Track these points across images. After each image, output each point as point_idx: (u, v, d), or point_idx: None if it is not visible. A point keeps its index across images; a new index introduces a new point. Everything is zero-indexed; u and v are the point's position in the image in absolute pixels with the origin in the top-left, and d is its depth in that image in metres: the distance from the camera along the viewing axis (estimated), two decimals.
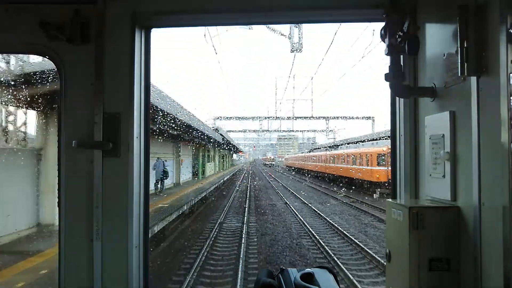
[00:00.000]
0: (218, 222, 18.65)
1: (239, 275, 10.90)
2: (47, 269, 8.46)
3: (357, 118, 59.89)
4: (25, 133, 11.89)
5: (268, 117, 65.04)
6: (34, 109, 11.93)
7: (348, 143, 45.27)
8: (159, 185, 22.43)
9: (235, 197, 30.16)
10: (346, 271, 10.94)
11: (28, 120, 11.91)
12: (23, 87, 10.42)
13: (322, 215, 20.64)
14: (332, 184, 39.06)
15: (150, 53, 2.18)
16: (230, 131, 64.23)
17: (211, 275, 11.29)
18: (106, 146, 2.00)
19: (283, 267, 1.53)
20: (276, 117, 63.54)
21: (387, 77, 1.84)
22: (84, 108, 2.02)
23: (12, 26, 2.05)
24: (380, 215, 19.69)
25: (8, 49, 2.38)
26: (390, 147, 2.39)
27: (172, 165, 27.64)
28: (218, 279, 11.03)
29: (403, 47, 1.77)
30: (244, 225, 17.87)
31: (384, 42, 1.82)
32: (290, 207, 23.77)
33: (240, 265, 11.75)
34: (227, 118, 62.88)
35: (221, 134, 38.08)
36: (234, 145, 64.84)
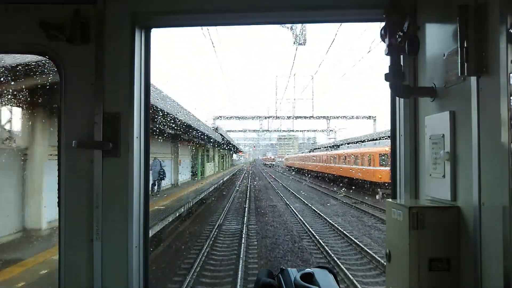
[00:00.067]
0: (217, 224, 18.22)
1: (238, 283, 10.66)
2: (23, 281, 7.72)
3: (359, 117, 59.02)
4: (9, 131, 11.00)
5: (268, 117, 64.43)
6: (19, 106, 11.11)
7: (349, 143, 45.06)
8: (155, 186, 21.78)
9: (235, 197, 29.89)
10: (351, 277, 10.60)
11: (12, 118, 11.07)
12: (5, 81, 9.56)
13: (324, 216, 20.22)
14: (333, 184, 38.73)
15: (150, 53, 2.18)
16: (230, 131, 63.97)
17: (209, 282, 11.00)
18: (106, 146, 2.00)
19: (283, 267, 1.53)
20: (277, 117, 62.96)
21: (387, 77, 1.84)
22: (84, 108, 2.02)
23: (12, 26, 2.05)
24: (384, 217, 19.31)
25: (8, 49, 2.38)
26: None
27: (170, 165, 27.26)
28: (217, 279, 10.90)
29: (403, 47, 1.77)
30: (244, 227, 17.45)
31: (384, 42, 1.82)
32: (291, 208, 23.39)
33: (240, 270, 11.37)
34: (227, 117, 62.08)
35: (220, 134, 37.60)
36: (234, 145, 64.60)
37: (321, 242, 14.63)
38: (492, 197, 1.40)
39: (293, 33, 29.35)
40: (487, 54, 1.42)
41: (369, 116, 58.25)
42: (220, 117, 60.86)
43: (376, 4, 1.97)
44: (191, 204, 19.84)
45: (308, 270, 1.45)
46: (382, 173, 26.71)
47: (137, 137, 2.08)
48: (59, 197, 2.05)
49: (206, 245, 14.25)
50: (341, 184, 36.13)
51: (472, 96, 1.49)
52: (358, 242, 14.36)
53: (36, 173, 11.23)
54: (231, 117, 61.93)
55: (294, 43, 30.24)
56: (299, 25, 29.23)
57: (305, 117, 61.31)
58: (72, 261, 2.03)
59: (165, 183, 24.82)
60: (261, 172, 74.12)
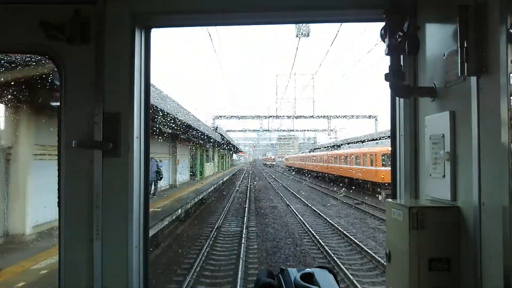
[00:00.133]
0: (216, 227, 17.59)
1: (238, 283, 10.42)
2: None
3: (360, 117, 58.36)
4: None
5: (269, 116, 63.79)
6: (1, 102, 10.49)
7: (349, 143, 44.88)
8: (152, 187, 20.63)
9: (235, 197, 29.53)
10: (356, 283, 10.20)
11: None
12: None
13: (326, 218, 19.63)
14: (334, 185, 38.33)
15: (150, 53, 2.18)
16: (230, 130, 63.63)
17: (209, 282, 10.69)
18: (106, 146, 2.00)
19: (283, 267, 1.53)
20: (277, 116, 62.47)
21: (387, 77, 1.84)
22: (84, 108, 2.02)
23: (12, 26, 2.05)
24: None
25: (8, 49, 2.38)
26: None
27: (168, 166, 26.78)
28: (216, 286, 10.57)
29: (403, 47, 1.77)
30: (244, 230, 16.81)
31: (384, 42, 1.82)
32: (292, 209, 22.88)
33: (239, 278, 10.84)
34: (227, 117, 61.15)
35: (220, 134, 37.09)
36: (234, 145, 64.34)
37: (324, 246, 14.04)
38: (492, 197, 1.40)
39: (296, 25, 29.06)
40: (487, 54, 1.42)
41: (371, 116, 57.66)
42: (220, 116, 59.99)
43: (376, 4, 1.97)
44: (189, 206, 19.18)
45: (308, 270, 1.45)
46: (384, 173, 26.43)
47: (137, 137, 2.08)
48: (59, 197, 2.05)
49: (204, 249, 13.54)
50: (342, 185, 35.77)
51: (472, 96, 1.49)
52: (362, 246, 13.75)
53: (20, 174, 10.58)
54: (231, 117, 61.31)
55: (297, 35, 30.02)
56: None
57: (306, 117, 60.45)
58: (72, 261, 2.03)
59: (163, 183, 24.34)
60: (261, 172, 73.92)
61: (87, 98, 2.02)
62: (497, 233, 1.36)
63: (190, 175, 35.09)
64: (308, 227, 17.52)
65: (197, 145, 35.31)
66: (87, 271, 1.99)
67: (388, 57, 1.85)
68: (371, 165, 29.33)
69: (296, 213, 21.52)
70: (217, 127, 37.03)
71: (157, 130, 19.70)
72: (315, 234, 15.92)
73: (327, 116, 60.38)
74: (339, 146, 48.68)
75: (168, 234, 15.79)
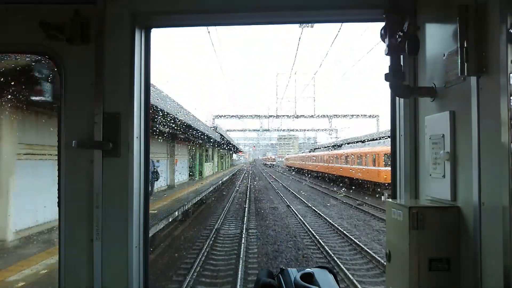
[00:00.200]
0: (214, 229, 16.94)
1: (238, 283, 10.27)
2: None
3: (361, 116, 57.75)
4: None
5: (269, 116, 63.25)
6: None
7: (349, 143, 44.63)
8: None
9: (234, 198, 29.05)
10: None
11: None
12: None
13: (328, 219, 19.05)
14: (335, 185, 37.82)
15: (150, 53, 2.18)
16: (229, 130, 63.24)
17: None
18: (106, 146, 2.00)
19: (283, 267, 1.53)
20: (277, 116, 61.96)
21: (387, 77, 1.84)
22: (84, 108, 2.03)
23: (12, 26, 2.05)
24: None
25: (8, 49, 2.38)
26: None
27: (166, 166, 26.31)
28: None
29: (403, 47, 1.77)
30: (244, 233, 16.22)
31: (384, 42, 1.82)
32: (293, 211, 22.32)
33: (238, 283, 10.48)
34: (226, 116, 60.45)
35: (219, 133, 36.54)
36: (233, 145, 64.07)
37: (328, 250, 13.44)
38: (492, 197, 1.40)
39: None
40: (487, 54, 1.42)
41: (372, 115, 57.15)
42: (220, 116, 59.33)
43: (376, 4, 1.97)
44: (186, 207, 18.52)
45: (308, 270, 1.45)
46: (386, 173, 25.86)
47: (137, 137, 2.08)
48: (59, 197, 2.05)
49: (201, 254, 12.90)
50: (343, 185, 35.33)
51: (472, 96, 1.49)
52: (367, 250, 13.23)
53: (2, 175, 10.00)
54: (231, 116, 60.91)
55: (300, 25, 29.74)
56: None
57: (307, 116, 59.79)
58: (72, 261, 2.03)
59: (160, 184, 23.98)
60: (261, 172, 73.70)
61: (87, 98, 2.02)
62: (497, 233, 1.36)
63: (189, 175, 34.71)
64: (310, 229, 17.00)
65: (196, 145, 34.93)
66: (87, 271, 1.99)
67: (388, 57, 1.85)
68: (373, 165, 28.96)
69: (297, 214, 21.05)
70: (216, 127, 36.57)
71: (155, 130, 19.41)
72: (317, 237, 15.38)
73: (328, 115, 59.82)
74: (339, 146, 48.39)
75: (164, 238, 15.17)
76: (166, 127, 20.25)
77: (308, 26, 29.69)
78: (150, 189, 21.01)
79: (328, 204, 25.47)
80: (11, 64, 8.45)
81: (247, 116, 62.72)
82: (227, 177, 45.69)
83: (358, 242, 14.25)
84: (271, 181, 47.52)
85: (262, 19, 2.28)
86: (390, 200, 1.91)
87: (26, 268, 8.28)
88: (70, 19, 2.00)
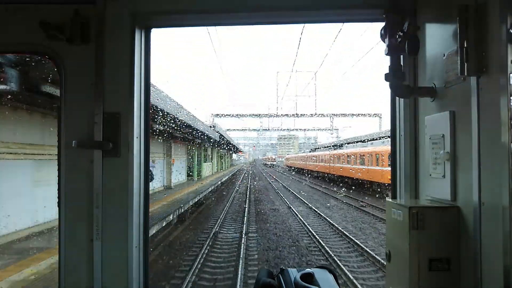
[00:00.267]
0: (212, 233, 16.26)
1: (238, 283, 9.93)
2: None
3: (363, 115, 56.94)
4: None
5: (269, 115, 62.31)
6: None
7: (349, 143, 44.29)
8: None
9: (234, 199, 28.58)
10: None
11: None
12: None
13: (332, 222, 18.37)
14: (337, 185, 37.12)
15: (150, 53, 2.19)
16: (229, 130, 62.61)
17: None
18: (106, 146, 2.00)
19: (283, 267, 1.53)
20: (277, 115, 61.19)
21: (387, 77, 1.84)
22: (84, 108, 2.03)
23: (12, 26, 2.05)
24: None
25: (8, 49, 2.38)
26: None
27: (163, 166, 25.59)
28: None
29: (403, 47, 1.77)
30: (243, 237, 15.53)
31: (384, 42, 1.82)
32: (295, 212, 21.66)
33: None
34: (226, 115, 59.08)
35: (218, 132, 35.56)
36: (233, 145, 63.72)
37: (333, 256, 12.73)
38: (492, 197, 1.40)
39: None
40: (487, 54, 1.42)
41: (375, 114, 56.41)
42: (219, 115, 57.97)
43: (376, 4, 1.97)
44: (183, 210, 17.67)
45: (308, 270, 1.45)
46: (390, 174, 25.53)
47: (137, 137, 2.08)
48: (59, 197, 2.05)
49: (197, 261, 12.21)
50: (345, 186, 34.74)
51: (472, 96, 1.49)
52: (374, 255, 12.53)
53: None
54: (231, 115, 60.09)
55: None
56: None
57: (308, 115, 58.59)
58: (72, 261, 2.03)
59: (157, 185, 23.55)
60: (261, 173, 73.45)
61: (87, 98, 2.02)
62: (497, 233, 1.36)
63: (187, 176, 34.03)
64: (313, 232, 16.31)
65: (195, 145, 34.37)
66: (87, 271, 2.00)
67: (388, 57, 1.85)
68: (377, 165, 28.44)
69: (299, 216, 20.44)
70: (214, 125, 35.46)
71: (151, 129, 18.76)
72: (321, 242, 14.65)
73: (329, 114, 58.97)
74: (341, 145, 48.07)
75: (158, 243, 14.47)
76: (162, 126, 19.88)
77: (309, 25, 29.48)
78: None
79: (331, 205, 24.90)
80: None
81: (246, 115, 61.90)
82: (227, 177, 45.31)
83: (364, 247, 13.56)
84: (271, 181, 47.41)
85: (262, 19, 2.28)
86: (390, 200, 1.91)
87: None
88: (70, 19, 2.00)
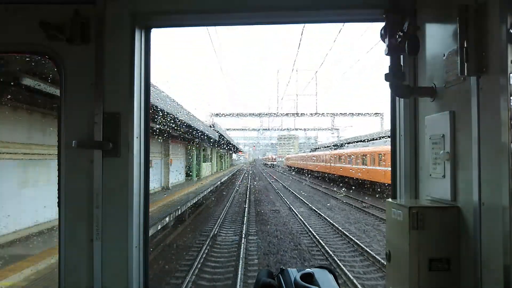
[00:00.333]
0: (210, 235, 15.70)
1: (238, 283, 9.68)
2: None
3: (365, 114, 56.34)
4: None
5: (269, 114, 61.39)
6: None
7: (353, 142, 44.12)
8: None
9: (233, 200, 28.08)
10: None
11: None
12: None
13: (335, 224, 17.83)
14: (338, 186, 36.55)
15: (150, 53, 2.19)
16: (229, 129, 62.11)
17: None
18: (106, 146, 2.00)
19: (283, 267, 1.53)
20: (277, 114, 60.47)
21: (387, 77, 1.84)
22: (84, 108, 2.03)
23: (12, 26, 2.05)
24: None
25: (8, 49, 2.38)
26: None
27: (160, 166, 25.36)
28: None
29: (403, 47, 1.77)
30: (243, 240, 15.00)
31: (384, 42, 1.82)
32: (296, 214, 21.22)
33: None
34: (225, 115, 58.10)
35: (217, 131, 34.90)
36: (233, 145, 63.47)
37: (337, 261, 12.26)
38: (492, 197, 1.40)
39: None
40: (487, 54, 1.42)
41: (376, 113, 55.55)
42: (219, 114, 56.96)
43: (376, 4, 1.97)
44: (180, 212, 17.19)
45: (308, 270, 1.45)
46: None
47: (137, 137, 2.08)
48: (59, 197, 2.05)
49: (194, 267, 11.67)
50: (346, 186, 34.34)
51: (472, 96, 1.49)
52: (380, 259, 12.08)
53: None
54: (231, 115, 59.22)
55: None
56: None
57: (309, 114, 58.09)
58: (72, 261, 2.03)
59: (153, 185, 23.03)
60: (261, 173, 73.24)
61: (87, 98, 2.03)
62: (497, 233, 1.36)
63: (186, 176, 33.58)
64: (316, 235, 15.78)
65: (194, 144, 33.96)
66: (87, 271, 2.00)
67: (388, 57, 1.85)
68: (379, 166, 28.02)
69: (301, 218, 19.92)
70: (214, 124, 34.72)
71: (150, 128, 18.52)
72: (324, 246, 14.12)
73: (331, 113, 58.38)
74: (341, 145, 47.76)
75: (155, 245, 13.90)
76: (159, 124, 19.56)
77: (309, 25, 29.33)
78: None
79: (332, 206, 24.50)
80: None
81: (246, 114, 61.21)
82: (226, 177, 45.00)
83: (369, 251, 13.07)
84: (272, 182, 47.32)
85: (262, 19, 2.28)
86: (390, 200, 1.91)
87: None
88: (70, 19, 2.00)
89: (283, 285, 1.43)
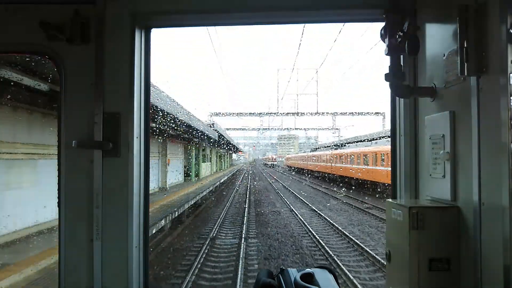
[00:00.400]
0: (208, 238, 15.34)
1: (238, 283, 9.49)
2: None
3: (366, 114, 55.86)
4: None
5: (270, 113, 60.75)
6: None
7: (349, 142, 44.09)
8: None
9: (233, 201, 27.77)
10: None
11: None
12: None
13: (338, 226, 17.42)
14: (339, 186, 36.14)
15: (150, 53, 2.19)
16: (229, 129, 61.84)
17: None
18: (106, 146, 2.00)
19: (283, 267, 1.53)
20: (278, 113, 59.71)
21: (387, 77, 1.84)
22: (84, 108, 2.03)
23: (12, 26, 2.06)
24: None
25: (8, 49, 2.39)
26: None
27: (158, 166, 24.98)
28: None
29: (403, 47, 1.77)
30: (243, 242, 14.61)
31: (384, 42, 1.82)
32: (297, 215, 20.78)
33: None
34: (226, 114, 57.54)
35: (217, 131, 34.33)
36: (233, 145, 63.23)
37: (341, 265, 11.75)
38: (492, 197, 1.40)
39: None
40: (487, 54, 1.42)
41: (377, 113, 55.02)
42: (219, 113, 56.17)
43: (376, 4, 1.97)
44: (177, 214, 16.74)
45: (308, 270, 1.45)
46: None
47: (137, 137, 2.08)
48: (59, 197, 2.05)
49: (191, 272, 11.22)
50: (347, 186, 34.16)
51: (472, 96, 1.49)
52: (384, 262, 11.10)
53: None
54: (231, 114, 58.49)
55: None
56: None
57: (309, 114, 57.25)
58: (72, 261, 2.03)
59: (151, 186, 22.32)
60: (261, 173, 73.09)
61: (87, 98, 2.03)
62: (497, 233, 1.36)
63: (185, 176, 33.03)
64: (318, 238, 15.31)
65: (193, 144, 33.47)
66: (87, 271, 2.00)
67: (388, 57, 1.85)
68: (381, 166, 27.83)
69: (302, 219, 19.50)
70: (213, 123, 34.23)
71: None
72: (328, 250, 13.64)
73: (332, 113, 58.01)
74: (342, 145, 47.46)
75: (153, 248, 13.49)
76: (159, 124, 19.31)
77: (309, 25, 29.27)
78: None
79: (334, 208, 24.12)
80: None
81: (246, 114, 60.69)
82: (226, 177, 44.72)
83: (375, 255, 12.59)
84: (272, 182, 47.25)
85: (262, 19, 2.28)
86: (390, 200, 1.91)
87: None
88: (70, 19, 2.00)
89: (283, 285, 1.44)
